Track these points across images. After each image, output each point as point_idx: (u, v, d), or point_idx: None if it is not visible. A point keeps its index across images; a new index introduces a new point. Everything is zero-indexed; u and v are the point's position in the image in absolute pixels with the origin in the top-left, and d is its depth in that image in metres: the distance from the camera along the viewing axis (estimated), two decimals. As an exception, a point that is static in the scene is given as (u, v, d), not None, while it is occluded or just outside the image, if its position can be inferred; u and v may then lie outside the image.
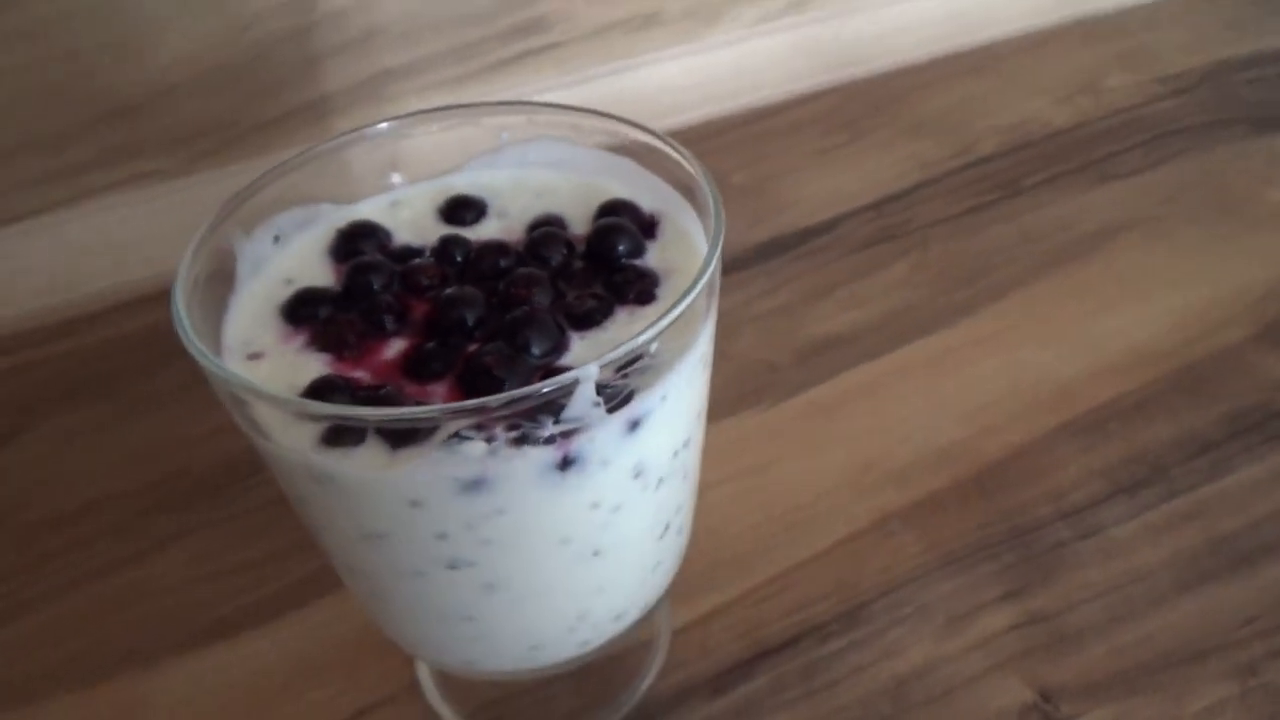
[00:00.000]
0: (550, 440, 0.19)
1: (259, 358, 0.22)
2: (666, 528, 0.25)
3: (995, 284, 0.46)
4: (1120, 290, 0.45)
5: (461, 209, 0.26)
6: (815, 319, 0.45)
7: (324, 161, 0.26)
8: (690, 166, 0.24)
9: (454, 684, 0.31)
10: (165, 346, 0.45)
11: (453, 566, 0.21)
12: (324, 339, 0.22)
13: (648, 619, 0.32)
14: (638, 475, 0.22)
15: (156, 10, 0.46)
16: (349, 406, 0.19)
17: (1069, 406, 0.39)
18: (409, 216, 0.26)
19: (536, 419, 0.19)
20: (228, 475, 0.39)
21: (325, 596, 0.35)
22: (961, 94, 0.60)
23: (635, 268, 0.24)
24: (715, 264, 0.21)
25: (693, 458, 0.25)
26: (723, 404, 0.41)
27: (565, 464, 0.20)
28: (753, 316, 0.45)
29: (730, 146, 0.57)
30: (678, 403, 0.22)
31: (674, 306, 0.20)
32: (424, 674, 0.32)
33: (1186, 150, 0.54)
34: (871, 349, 0.43)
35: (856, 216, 0.51)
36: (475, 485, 0.19)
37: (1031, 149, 0.55)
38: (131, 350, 0.46)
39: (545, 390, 0.18)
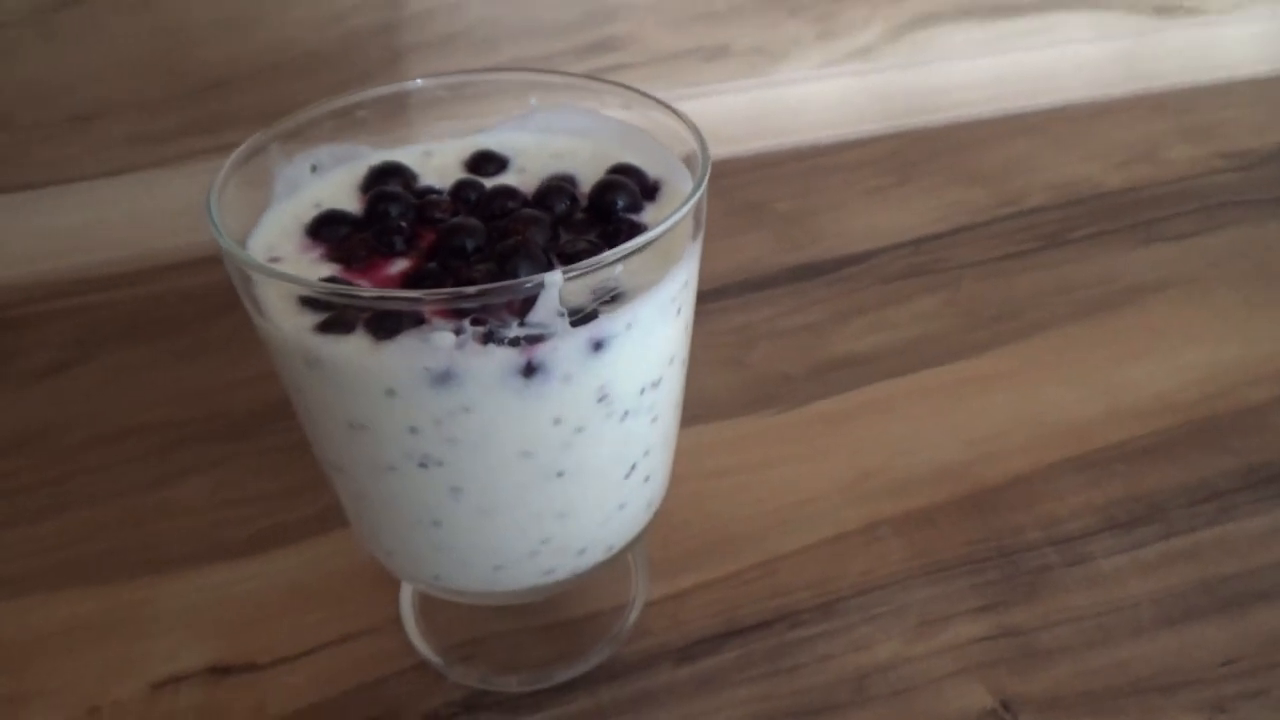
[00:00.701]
0: (515, 343, 0.21)
1: (277, 261, 0.24)
2: (633, 468, 0.26)
3: (1023, 325, 0.46)
4: (1149, 342, 0.45)
5: (485, 162, 0.28)
6: (837, 339, 0.46)
7: (367, 108, 0.28)
8: (687, 129, 0.26)
9: (432, 622, 0.33)
10: (219, 301, 0.49)
11: (423, 464, 0.23)
12: (337, 252, 0.25)
13: (622, 578, 0.34)
14: (601, 399, 0.23)
15: (259, -5, 0.50)
16: (334, 285, 0.21)
17: (1078, 443, 0.39)
18: (437, 164, 0.28)
19: (503, 318, 0.21)
20: (257, 419, 0.42)
21: (327, 534, 0.37)
22: (1016, 150, 0.61)
23: (630, 220, 0.25)
24: (690, 207, 0.23)
25: (663, 402, 0.26)
26: (733, 405, 0.42)
27: (529, 370, 0.21)
28: (775, 331, 0.46)
29: (780, 178, 0.58)
30: (645, 337, 0.23)
31: (645, 236, 0.21)
32: (405, 609, 0.33)
33: (1238, 221, 0.54)
34: (888, 371, 0.44)
35: (893, 251, 0.52)
36: (444, 378, 0.21)
37: (1079, 206, 0.55)
38: (189, 302, 0.49)
39: (511, 286, 0.20)
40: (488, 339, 0.21)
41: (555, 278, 0.20)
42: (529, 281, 0.20)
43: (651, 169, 0.28)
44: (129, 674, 0.32)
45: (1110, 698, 0.30)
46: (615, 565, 0.35)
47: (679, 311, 0.24)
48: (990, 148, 0.61)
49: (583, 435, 0.23)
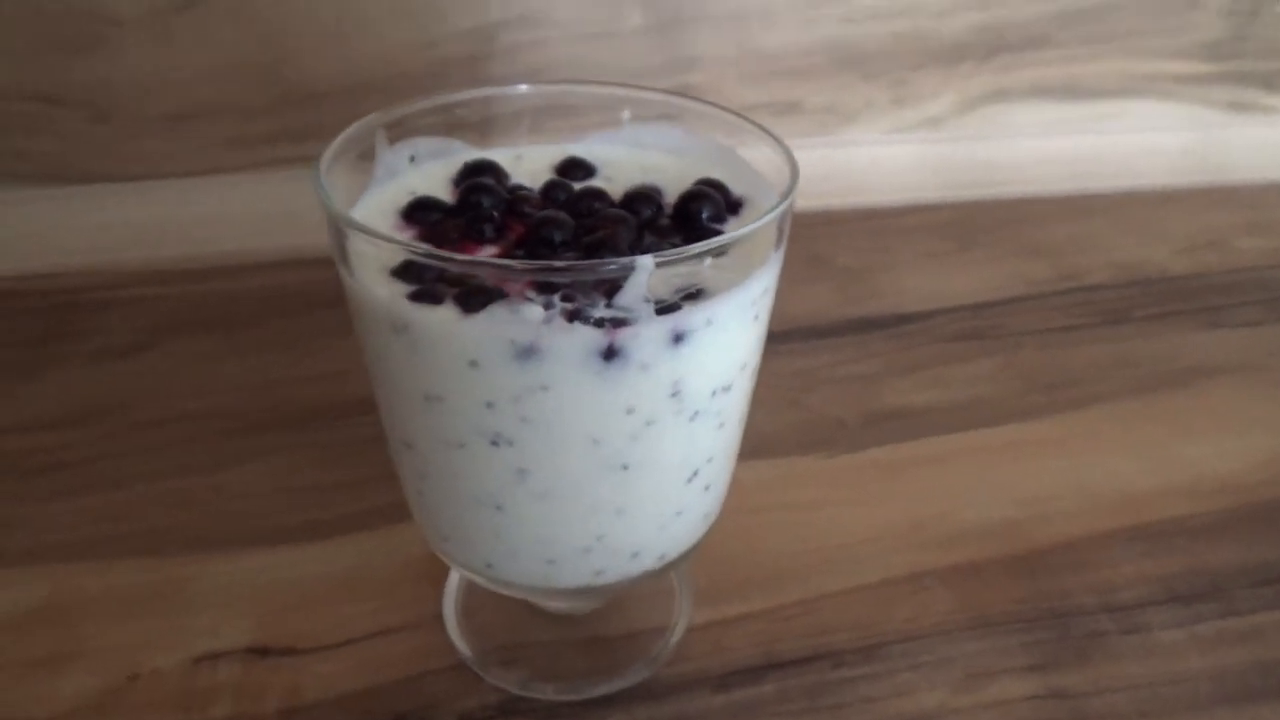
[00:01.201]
0: (600, 324, 0.21)
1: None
2: (695, 474, 0.26)
3: (1080, 395, 0.46)
4: (1210, 423, 0.44)
5: (574, 168, 0.29)
6: (893, 391, 0.46)
7: (468, 107, 0.29)
8: (776, 148, 0.27)
9: (473, 623, 0.33)
10: (293, 303, 0.50)
11: (494, 443, 0.23)
12: (430, 234, 0.25)
13: (666, 602, 0.33)
14: (674, 394, 0.23)
15: (360, 13, 0.52)
16: (433, 249, 0.22)
17: (1134, 514, 0.39)
18: (528, 167, 0.29)
19: (592, 298, 0.21)
20: (319, 415, 0.43)
21: (376, 529, 0.37)
22: (1081, 229, 0.61)
23: (713, 230, 0.26)
24: (776, 215, 0.23)
25: (731, 409, 0.26)
26: (787, 444, 0.42)
27: (609, 354, 0.22)
28: (832, 378, 0.46)
29: (843, 234, 0.59)
30: (722, 336, 0.23)
31: (733, 234, 0.22)
32: (448, 609, 0.33)
33: (1307, 316, 0.53)
34: (942, 426, 0.43)
35: (951, 313, 0.52)
36: (528, 353, 0.21)
37: (1143, 286, 0.55)
38: (263, 301, 0.51)
39: (603, 266, 0.21)
40: (574, 317, 0.21)
41: (646, 262, 0.21)
42: (621, 263, 0.21)
43: (737, 186, 0.28)
44: (170, 646, 0.32)
45: (1162, 770, 0.29)
46: (659, 588, 0.35)
47: (756, 318, 0.25)
48: (1054, 224, 0.61)
49: (652, 429, 0.23)
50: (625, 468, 0.24)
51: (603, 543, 0.26)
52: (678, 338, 0.22)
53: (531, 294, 0.21)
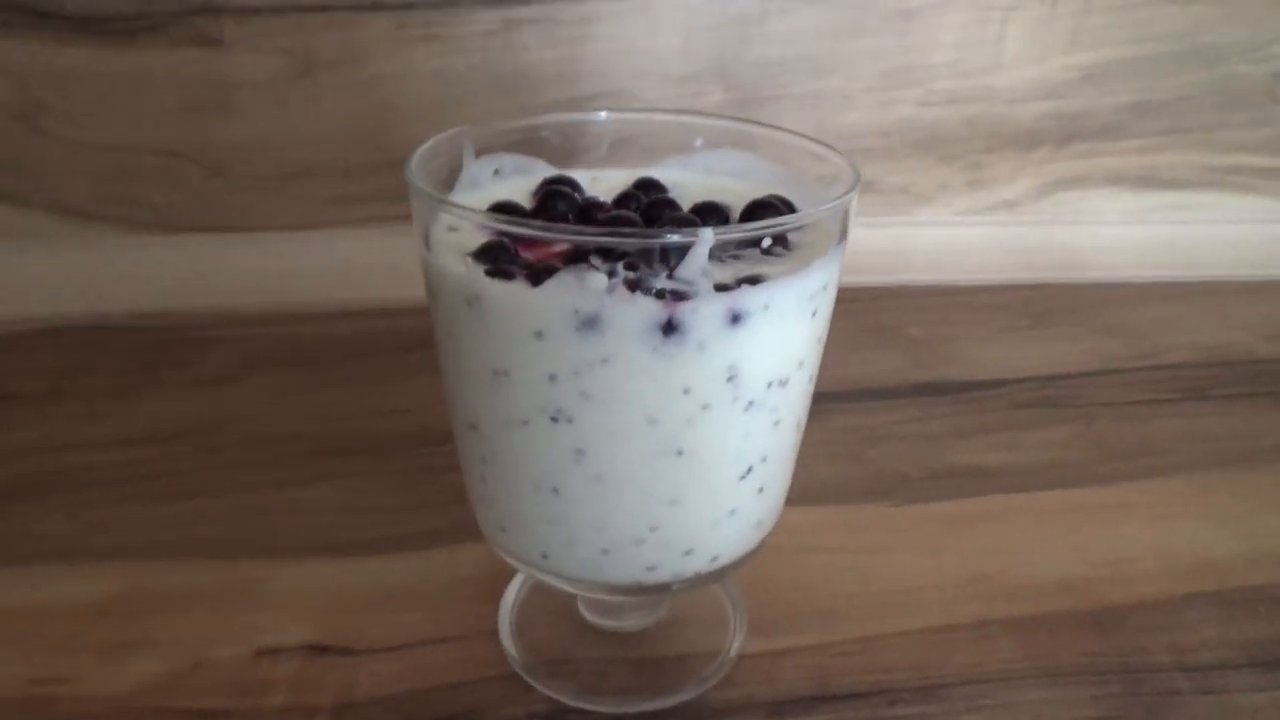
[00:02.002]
0: (661, 295, 0.22)
1: (454, 230, 0.27)
2: (749, 470, 0.26)
3: (1158, 463, 0.45)
4: (1295, 498, 0.42)
5: (647, 187, 0.31)
6: (958, 450, 0.45)
7: (552, 129, 0.32)
8: (837, 158, 0.28)
9: (526, 636, 0.33)
10: (375, 348, 0.52)
11: (554, 419, 0.24)
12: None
13: (719, 627, 0.33)
14: (730, 379, 0.24)
15: (462, 87, 0.56)
16: (503, 216, 0.23)
17: (1215, 580, 0.37)
18: (604, 187, 0.31)
19: (654, 267, 0.22)
20: (392, 445, 0.44)
21: (436, 549, 0.38)
22: (1162, 313, 0.60)
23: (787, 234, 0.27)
24: (836, 205, 0.25)
25: (786, 407, 0.26)
26: (849, 493, 0.42)
27: (669, 328, 0.23)
28: (898, 435, 0.46)
29: (915, 308, 0.60)
30: (779, 324, 0.24)
31: (792, 217, 0.23)
32: (503, 621, 0.34)
33: (1403, 405, 0.51)
34: (1010, 486, 0.43)
35: (1024, 383, 0.51)
36: (590, 323, 0.22)
37: (1226, 367, 0.54)
38: (349, 344, 0.53)
39: (665, 237, 0.22)
40: (635, 286, 0.22)
41: (707, 234, 0.22)
42: (683, 233, 0.22)
43: (800, 202, 0.29)
44: (234, 639, 0.33)
45: (1241, 830, 0.27)
46: (712, 613, 0.34)
47: (814, 314, 0.25)
48: (1130, 308, 0.61)
49: (707, 414, 0.24)
50: (680, 453, 0.25)
51: (656, 534, 0.26)
52: (735, 318, 0.23)
53: (597, 262, 0.23)
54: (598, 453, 0.25)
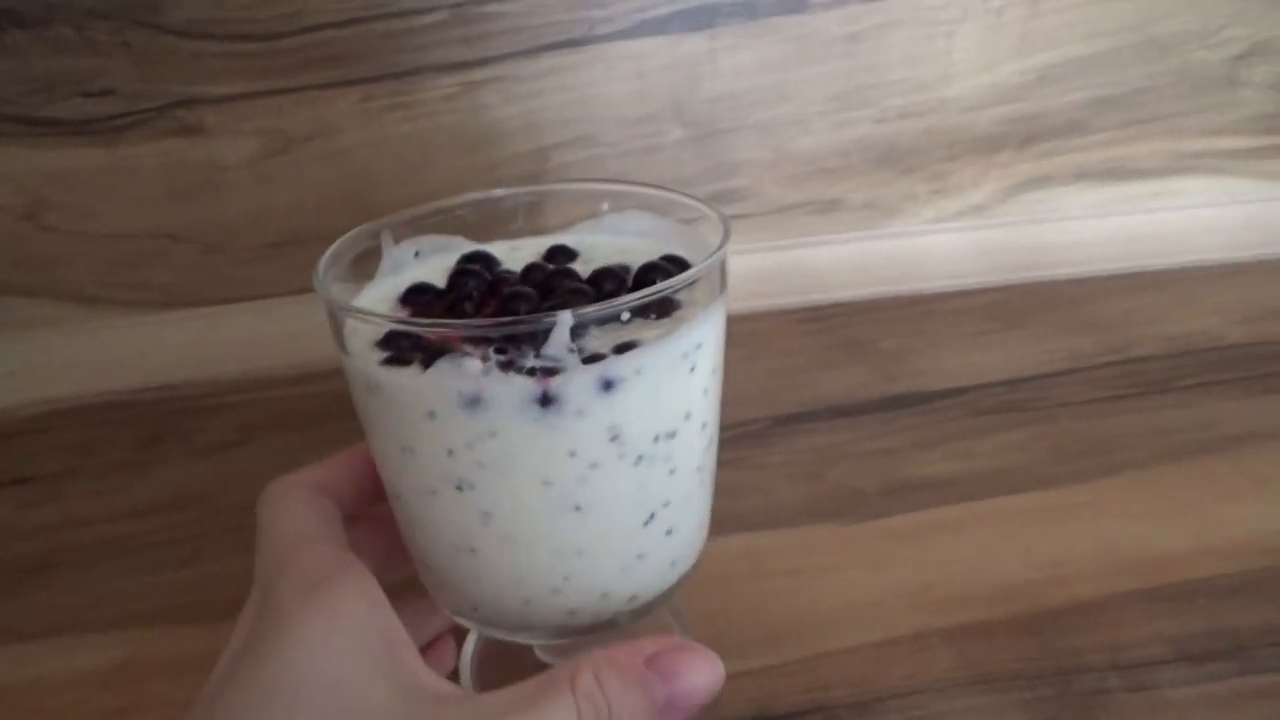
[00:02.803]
0: (532, 372, 0.24)
1: (363, 324, 0.30)
2: (652, 517, 0.28)
3: (1110, 462, 0.45)
4: (1245, 486, 0.43)
5: (558, 254, 0.33)
6: (916, 463, 0.47)
7: (467, 209, 0.34)
8: (711, 212, 0.30)
9: (487, 680, 0.35)
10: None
11: (459, 488, 0.27)
12: (419, 313, 0.30)
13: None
14: (614, 439, 0.26)
15: (431, 147, 0.59)
16: (384, 314, 0.26)
17: (1155, 576, 0.38)
18: (521, 256, 0.33)
19: (520, 348, 0.24)
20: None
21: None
22: (1135, 304, 0.61)
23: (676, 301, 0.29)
24: (697, 272, 0.26)
25: (681, 456, 0.28)
26: (802, 515, 0.43)
27: (545, 400, 0.25)
28: (856, 453, 0.48)
29: (887, 320, 0.61)
30: (655, 385, 0.26)
31: (644, 292, 0.25)
32: (465, 663, 0.36)
33: (1374, 380, 0.51)
34: (964, 495, 0.44)
35: (989, 388, 0.53)
36: (474, 402, 0.25)
37: (1193, 357, 0.54)
38: (346, 401, 0.56)
39: (524, 323, 0.24)
40: (508, 367, 0.25)
41: (565, 316, 0.24)
42: (544, 318, 0.24)
43: (695, 259, 0.31)
44: (224, 696, 0.36)
45: (1156, 824, 0.29)
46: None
47: (693, 369, 0.27)
48: (1105, 301, 0.61)
49: (598, 472, 0.26)
50: (578, 509, 0.27)
51: (569, 583, 0.28)
52: (607, 385, 0.25)
53: (470, 349, 0.25)
54: (502, 515, 0.27)
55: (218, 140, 0.58)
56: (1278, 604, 0.36)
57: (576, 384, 0.25)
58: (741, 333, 0.61)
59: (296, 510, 0.29)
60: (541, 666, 0.35)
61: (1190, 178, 0.67)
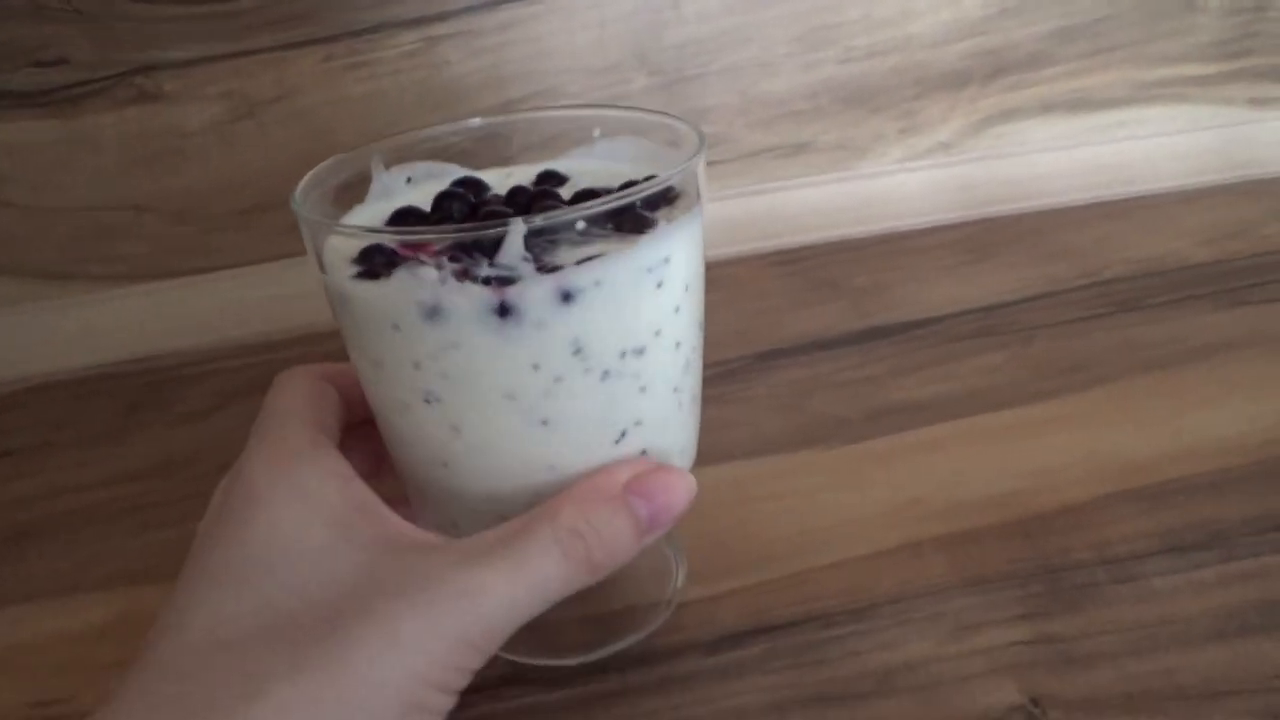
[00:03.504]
0: (488, 282, 0.24)
1: (343, 240, 0.30)
2: (623, 435, 0.28)
3: (1088, 378, 0.46)
4: (1222, 392, 0.44)
5: (548, 179, 0.33)
6: (896, 389, 0.47)
7: (462, 135, 0.34)
8: (687, 127, 0.30)
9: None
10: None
11: (427, 400, 0.27)
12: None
13: (661, 578, 0.35)
14: (576, 352, 0.26)
15: (394, 105, 0.59)
16: (343, 224, 0.27)
17: (1136, 478, 0.39)
18: (512, 182, 0.33)
19: (474, 256, 0.25)
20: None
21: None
22: (1103, 231, 0.61)
23: (641, 215, 0.29)
24: (663, 183, 0.26)
25: (651, 373, 0.28)
26: (786, 443, 0.44)
27: (503, 311, 0.25)
28: (836, 383, 0.48)
29: (861, 259, 0.61)
30: (617, 298, 0.26)
31: (600, 201, 0.25)
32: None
33: (1337, 288, 0.52)
34: (945, 415, 0.44)
35: (964, 316, 0.53)
36: (434, 313, 0.25)
37: (1162, 277, 0.55)
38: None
39: (476, 229, 0.24)
40: (463, 276, 0.25)
41: (517, 223, 0.24)
42: (494, 225, 0.24)
43: (677, 181, 0.31)
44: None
45: (1151, 700, 0.29)
46: (655, 564, 0.37)
47: (660, 285, 0.27)
48: (1074, 231, 0.62)
49: (562, 386, 0.26)
50: (545, 423, 0.27)
51: (543, 499, 0.28)
52: (566, 296, 0.25)
53: (426, 258, 0.25)
54: (470, 428, 0.27)
55: (179, 106, 0.57)
56: (1251, 496, 0.37)
57: (534, 294, 0.25)
58: (718, 277, 0.60)
59: (297, 391, 0.30)
60: None
61: (1152, 106, 0.68)
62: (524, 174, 0.34)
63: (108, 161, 0.58)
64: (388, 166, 0.33)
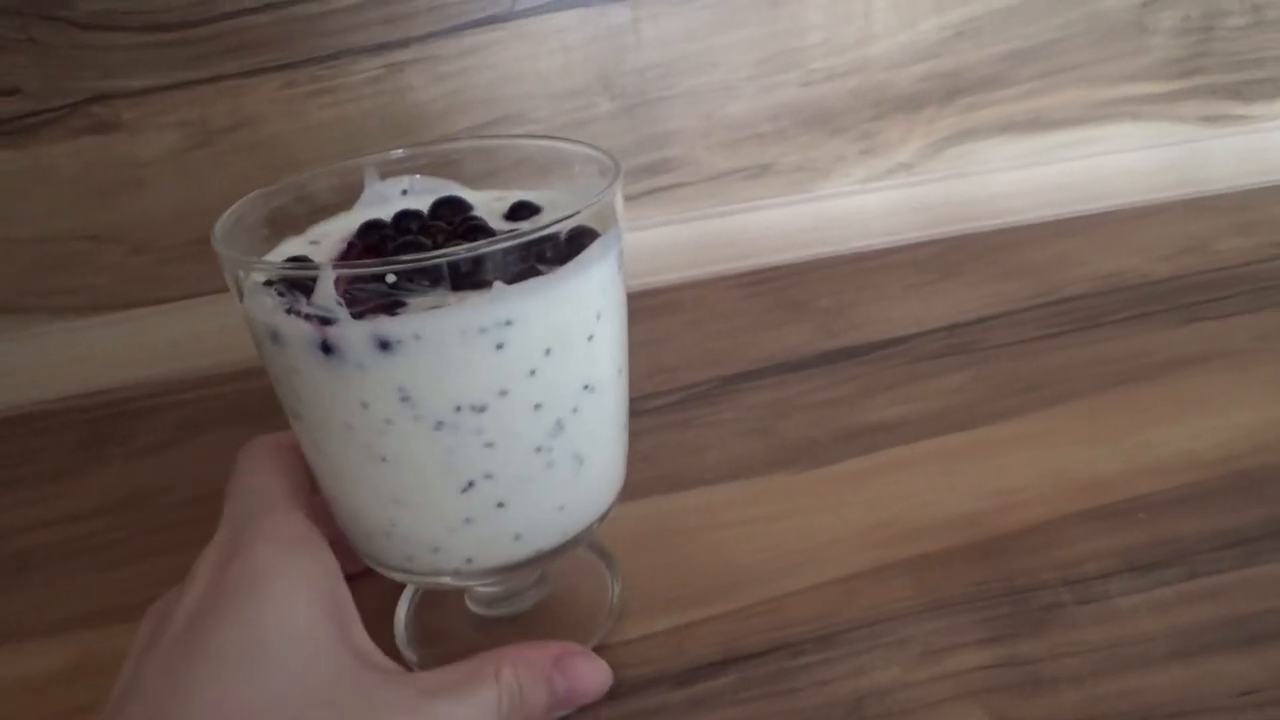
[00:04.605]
0: (308, 319, 0.25)
1: (316, 244, 0.31)
2: (471, 485, 0.28)
3: (1050, 395, 0.47)
4: (1182, 408, 0.45)
5: (521, 209, 0.32)
6: (865, 410, 0.47)
7: (462, 154, 0.35)
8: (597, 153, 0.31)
9: (424, 643, 0.35)
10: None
11: (295, 415, 0.28)
12: (365, 243, 0.30)
13: (598, 598, 0.36)
14: (405, 400, 0.25)
15: (355, 131, 0.58)
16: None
17: (1100, 496, 0.39)
18: (498, 207, 0.32)
19: (294, 293, 0.25)
20: (326, 483, 0.46)
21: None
22: (1063, 249, 0.62)
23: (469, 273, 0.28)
24: (505, 243, 0.25)
25: (498, 430, 0.27)
26: (756, 467, 0.44)
27: (326, 348, 0.25)
28: (805, 405, 0.48)
29: (825, 279, 0.62)
30: (443, 354, 0.25)
31: (421, 258, 0.24)
32: (400, 634, 0.36)
33: (1292, 302, 0.53)
34: (912, 436, 0.45)
35: (929, 335, 0.54)
36: (275, 337, 0.26)
37: (1121, 294, 0.56)
38: (273, 396, 0.55)
39: (291, 266, 0.25)
40: (289, 311, 0.25)
41: (328, 269, 0.24)
42: (308, 266, 0.25)
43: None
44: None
45: (1115, 722, 0.30)
46: (592, 586, 0.37)
47: (500, 347, 0.26)
48: (1034, 248, 0.63)
49: (394, 428, 0.26)
50: (384, 460, 0.27)
51: (397, 530, 0.29)
52: (384, 344, 0.25)
53: (282, 289, 0.26)
54: (327, 451, 0.28)
55: (136, 135, 0.56)
56: (1213, 513, 0.38)
57: (351, 338, 0.25)
58: (683, 299, 0.61)
59: (272, 468, 0.31)
60: (476, 617, 0.36)
61: (1107, 125, 0.69)
62: (513, 199, 0.33)
63: (63, 192, 0.57)
64: (383, 177, 0.33)
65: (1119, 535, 0.37)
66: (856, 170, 0.67)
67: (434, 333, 0.25)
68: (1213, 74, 0.69)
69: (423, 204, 0.32)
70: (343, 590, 0.29)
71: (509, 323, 0.25)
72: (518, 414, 0.27)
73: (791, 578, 0.37)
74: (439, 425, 0.26)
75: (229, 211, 0.30)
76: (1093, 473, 0.41)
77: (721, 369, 0.52)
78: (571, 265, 0.27)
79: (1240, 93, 0.70)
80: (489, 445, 0.27)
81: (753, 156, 0.65)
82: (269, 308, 0.26)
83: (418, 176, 0.34)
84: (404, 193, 0.34)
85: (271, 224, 0.31)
